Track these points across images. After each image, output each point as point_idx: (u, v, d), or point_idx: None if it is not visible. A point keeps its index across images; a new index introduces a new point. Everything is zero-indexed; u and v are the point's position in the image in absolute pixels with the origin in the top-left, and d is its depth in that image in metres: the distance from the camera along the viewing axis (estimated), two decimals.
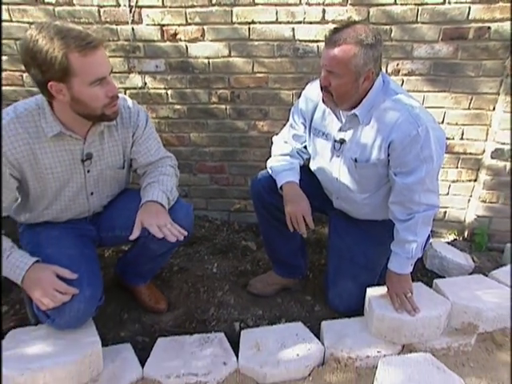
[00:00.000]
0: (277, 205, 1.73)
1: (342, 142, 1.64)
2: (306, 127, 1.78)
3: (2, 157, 1.35)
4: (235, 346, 1.57)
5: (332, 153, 1.69)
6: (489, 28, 2.01)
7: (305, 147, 1.85)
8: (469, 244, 2.39)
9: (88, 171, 1.54)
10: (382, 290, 1.70)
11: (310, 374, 1.53)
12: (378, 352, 1.56)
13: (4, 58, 2.30)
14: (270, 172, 1.80)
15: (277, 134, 1.94)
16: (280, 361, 1.52)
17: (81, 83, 1.28)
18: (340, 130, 1.63)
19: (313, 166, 1.84)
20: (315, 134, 1.73)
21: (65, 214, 1.60)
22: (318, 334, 1.66)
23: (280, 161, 1.80)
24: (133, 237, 1.42)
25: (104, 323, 1.70)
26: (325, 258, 2.16)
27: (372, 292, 1.69)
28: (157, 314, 1.82)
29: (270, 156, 1.88)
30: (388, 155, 1.55)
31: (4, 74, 2.34)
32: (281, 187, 1.71)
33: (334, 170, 1.71)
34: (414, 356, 1.38)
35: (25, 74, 2.33)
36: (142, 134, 1.62)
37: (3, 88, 2.37)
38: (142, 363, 1.50)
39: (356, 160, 1.62)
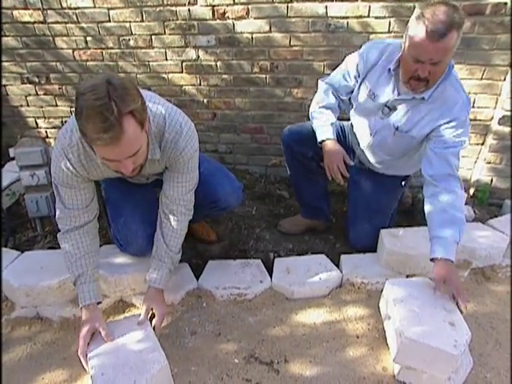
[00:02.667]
0: (305, 154, 1.82)
1: (393, 108, 1.57)
2: (357, 82, 1.65)
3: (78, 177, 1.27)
4: (269, 271, 1.70)
5: (377, 114, 1.62)
6: (505, 4, 1.94)
7: (349, 99, 1.76)
8: (472, 199, 2.39)
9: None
10: (393, 231, 1.77)
11: (329, 294, 1.65)
12: (386, 279, 1.65)
13: (89, 38, 2.43)
14: (312, 120, 1.75)
15: (310, 100, 1.86)
16: (305, 282, 1.64)
17: (95, 150, 1.11)
18: (395, 99, 1.53)
19: (352, 115, 1.78)
20: (364, 90, 1.62)
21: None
22: (337, 265, 1.76)
23: (323, 113, 1.72)
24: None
25: None
26: (346, 206, 2.22)
27: (384, 232, 1.77)
28: (208, 244, 1.96)
29: (310, 106, 1.82)
30: (431, 131, 1.51)
31: (88, 51, 2.48)
32: (320, 141, 1.67)
33: (372, 127, 1.67)
34: (415, 279, 1.47)
35: (104, 51, 2.46)
36: (178, 168, 1.35)
37: (88, 63, 2.51)
38: (197, 278, 1.66)
39: (397, 128, 1.57)
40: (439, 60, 1.30)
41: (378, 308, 1.46)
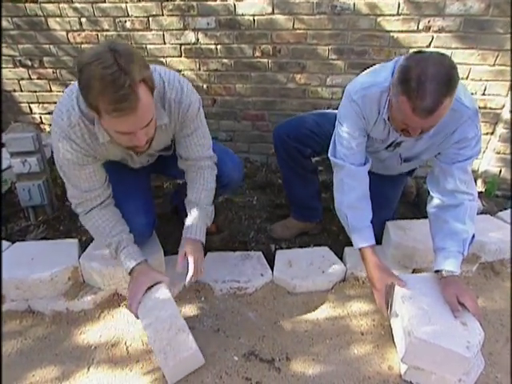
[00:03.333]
0: (301, 151, 1.66)
1: (398, 145, 1.43)
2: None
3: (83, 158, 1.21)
4: (271, 263, 1.63)
5: (383, 149, 1.48)
6: None
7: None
8: (479, 191, 2.31)
9: (137, 155, 1.35)
10: (400, 223, 1.70)
11: (332, 288, 1.58)
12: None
13: (83, 19, 2.31)
14: (346, 221, 1.45)
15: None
16: (308, 275, 1.57)
17: (105, 124, 1.05)
18: (397, 139, 1.38)
19: None
20: (369, 140, 1.44)
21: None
22: (341, 258, 1.69)
23: (361, 209, 1.43)
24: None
25: (166, 240, 1.77)
26: None
27: (391, 224, 1.69)
28: (207, 235, 1.86)
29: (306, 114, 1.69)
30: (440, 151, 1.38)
31: (83, 33, 2.36)
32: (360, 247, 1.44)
33: (379, 158, 1.54)
34: (424, 274, 1.39)
35: (99, 34, 2.35)
36: (189, 127, 1.32)
37: (83, 46, 2.40)
38: None
39: (404, 159, 1.50)
40: (431, 126, 1.16)
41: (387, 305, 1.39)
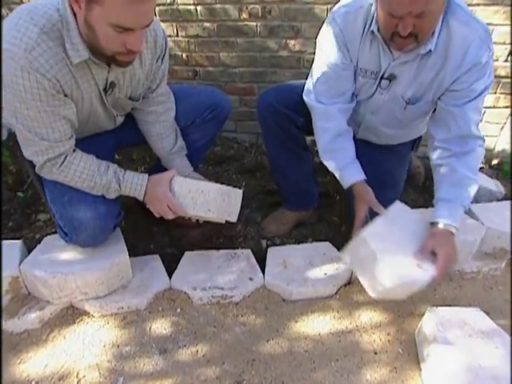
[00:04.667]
0: (293, 120, 1.35)
1: (392, 78, 1.19)
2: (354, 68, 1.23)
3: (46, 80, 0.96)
4: (262, 264, 1.35)
5: (375, 89, 1.24)
6: None
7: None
8: (495, 172, 2.02)
9: (107, 100, 1.15)
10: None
11: (337, 293, 1.30)
12: None
13: None
14: (330, 167, 1.30)
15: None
16: (307, 279, 1.29)
17: (101, 15, 0.88)
18: (390, 65, 1.16)
19: None
20: (360, 74, 1.23)
21: (86, 133, 1.27)
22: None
23: (338, 150, 1.28)
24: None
25: (134, 235, 1.50)
26: None
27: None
28: (185, 229, 1.59)
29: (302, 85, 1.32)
30: (447, 88, 1.15)
31: None
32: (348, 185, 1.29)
33: (372, 105, 1.29)
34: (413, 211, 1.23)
35: None
36: (163, 61, 1.23)
37: None
38: (170, 274, 1.30)
39: (408, 101, 1.23)
40: (421, 11, 0.95)
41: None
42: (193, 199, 1.21)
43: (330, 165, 1.30)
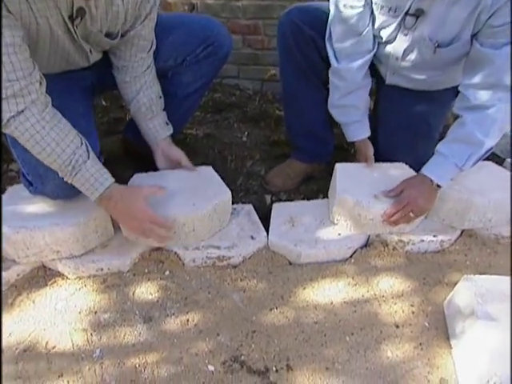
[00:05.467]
0: (318, 45, 1.15)
1: (419, 14, 1.00)
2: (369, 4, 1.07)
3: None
4: (265, 222, 1.16)
5: (398, 29, 1.06)
6: None
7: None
8: None
9: (75, 31, 0.92)
10: None
11: (351, 256, 1.12)
12: (434, 236, 1.12)
13: None
14: (336, 120, 1.26)
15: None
16: (318, 239, 1.10)
17: None
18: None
19: None
20: (379, 10, 1.06)
21: (58, 69, 1.05)
22: None
23: (346, 107, 1.21)
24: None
25: None
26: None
27: None
28: None
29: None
30: (484, 23, 0.95)
31: None
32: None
33: (396, 50, 1.11)
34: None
35: None
36: (151, 12, 1.01)
37: None
38: None
39: (438, 43, 1.03)
40: None
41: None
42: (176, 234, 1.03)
43: (337, 119, 1.26)
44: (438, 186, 1.05)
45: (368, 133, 1.24)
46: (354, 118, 1.22)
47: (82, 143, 0.92)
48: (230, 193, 1.10)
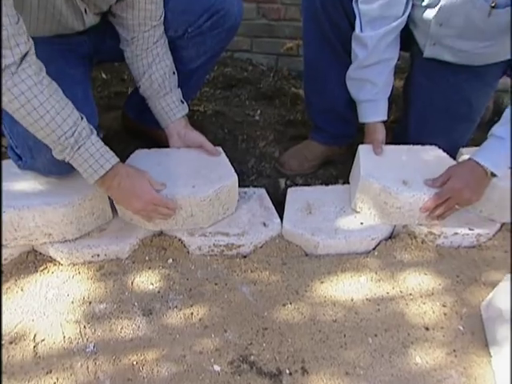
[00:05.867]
0: (347, 9, 1.07)
1: None
2: None
3: None
4: (279, 208, 1.11)
5: None
6: None
7: None
8: None
9: None
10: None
11: (375, 249, 1.06)
12: (470, 229, 1.05)
13: None
14: (351, 93, 1.18)
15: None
16: (338, 229, 1.04)
17: None
18: None
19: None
20: None
21: (48, 33, 0.98)
22: None
23: (362, 80, 1.13)
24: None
25: None
26: (396, 113, 1.53)
27: (467, 152, 1.10)
28: None
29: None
30: None
31: None
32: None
33: (440, 14, 1.00)
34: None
35: None
36: None
37: None
38: None
39: (494, 3, 0.92)
40: None
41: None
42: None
43: (350, 92, 1.18)
44: (493, 174, 0.96)
45: (383, 116, 1.15)
46: (369, 96, 1.14)
47: (82, 117, 0.85)
48: (236, 177, 1.03)
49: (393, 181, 1.01)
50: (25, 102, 0.77)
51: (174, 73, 1.09)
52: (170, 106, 1.09)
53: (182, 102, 1.11)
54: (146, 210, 0.91)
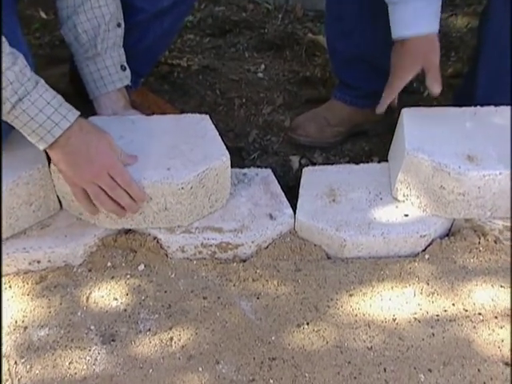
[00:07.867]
0: None
1: None
2: None
3: None
4: (291, 193, 1.16)
5: None
6: None
7: None
8: None
9: None
10: None
11: (425, 250, 1.07)
12: None
13: None
14: None
15: None
16: (372, 222, 1.06)
17: None
18: None
19: None
20: None
21: None
22: None
23: None
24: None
25: None
26: (457, 64, 1.58)
27: None
28: None
29: None
30: None
31: None
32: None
33: None
34: None
35: None
36: None
37: None
38: None
39: None
40: None
41: None
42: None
43: None
44: None
45: (437, 25, 1.09)
46: None
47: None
48: (227, 156, 1.02)
49: (453, 156, 0.99)
50: None
51: (118, 25, 1.08)
52: (100, 72, 1.09)
53: (123, 69, 1.10)
54: (95, 181, 0.87)
